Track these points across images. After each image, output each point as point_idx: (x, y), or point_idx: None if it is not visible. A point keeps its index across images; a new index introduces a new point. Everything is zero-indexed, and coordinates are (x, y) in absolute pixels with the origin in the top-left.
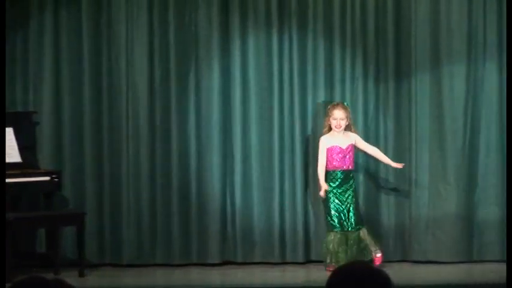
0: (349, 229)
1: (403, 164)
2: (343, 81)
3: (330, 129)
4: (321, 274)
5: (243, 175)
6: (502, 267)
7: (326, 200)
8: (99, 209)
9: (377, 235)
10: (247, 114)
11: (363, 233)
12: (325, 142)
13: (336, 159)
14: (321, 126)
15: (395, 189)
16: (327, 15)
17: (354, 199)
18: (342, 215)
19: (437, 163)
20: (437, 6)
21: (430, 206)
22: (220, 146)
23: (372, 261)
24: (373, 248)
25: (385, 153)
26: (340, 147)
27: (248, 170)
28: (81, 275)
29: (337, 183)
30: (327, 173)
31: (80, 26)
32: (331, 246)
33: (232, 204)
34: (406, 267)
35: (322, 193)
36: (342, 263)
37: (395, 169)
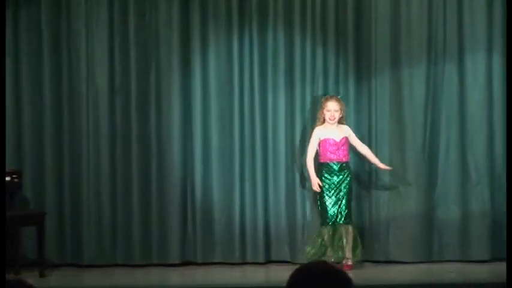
0: (340, 222)
1: (391, 168)
2: (303, 81)
3: (323, 121)
4: (282, 274)
5: (204, 175)
6: (462, 267)
7: (320, 194)
8: (60, 209)
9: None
10: (207, 114)
11: (349, 230)
12: (319, 134)
13: (330, 151)
14: (283, 125)
15: (355, 189)
16: (287, 16)
17: (349, 192)
18: (336, 206)
19: (398, 163)
20: (398, 7)
21: (390, 206)
22: (181, 145)
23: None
24: (349, 254)
25: None
26: (334, 140)
27: (208, 170)
28: (42, 275)
29: (332, 175)
30: (322, 165)
31: (40, 25)
32: (320, 241)
33: (193, 204)
34: (367, 267)
35: (315, 187)
36: (338, 257)
37: (356, 169)
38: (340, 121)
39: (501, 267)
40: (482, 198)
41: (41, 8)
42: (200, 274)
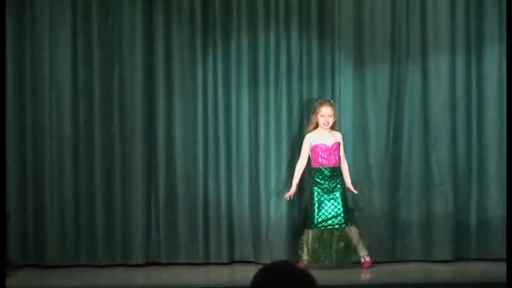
0: (338, 227)
1: (357, 192)
2: (267, 81)
3: (316, 126)
4: (245, 274)
5: (167, 175)
6: (425, 267)
7: (310, 197)
8: (22, 209)
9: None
10: (171, 115)
11: (353, 231)
12: (310, 140)
13: (322, 157)
14: (246, 125)
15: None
16: (250, 16)
17: (343, 196)
18: (329, 212)
19: (361, 163)
20: (361, 6)
21: (354, 206)
22: (144, 146)
23: (360, 262)
24: (362, 252)
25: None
26: (325, 145)
27: (172, 171)
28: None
29: (324, 180)
30: (314, 170)
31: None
32: (307, 243)
33: (156, 204)
34: (331, 268)
35: (287, 195)
36: (323, 261)
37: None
38: (334, 127)
39: (464, 267)
40: (445, 198)
41: (5, 8)
42: (164, 274)
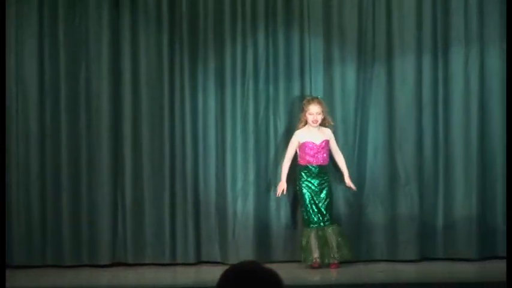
0: (325, 225)
1: (355, 188)
2: (233, 81)
3: (305, 123)
4: (212, 274)
5: (134, 175)
6: (390, 267)
7: (300, 196)
8: None
9: (266, 236)
10: (137, 114)
11: (339, 230)
12: (299, 137)
13: (310, 155)
14: (213, 125)
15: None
16: (217, 17)
17: (329, 194)
18: (318, 210)
19: (329, 163)
20: (330, 6)
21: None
22: (111, 145)
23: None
24: (333, 253)
25: (276, 153)
26: (313, 143)
27: (139, 170)
28: None
29: (311, 178)
30: (301, 167)
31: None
32: (304, 242)
33: (123, 204)
34: (295, 268)
35: (278, 191)
36: (321, 259)
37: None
38: (323, 123)
39: (429, 267)
40: (410, 198)
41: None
42: (130, 275)
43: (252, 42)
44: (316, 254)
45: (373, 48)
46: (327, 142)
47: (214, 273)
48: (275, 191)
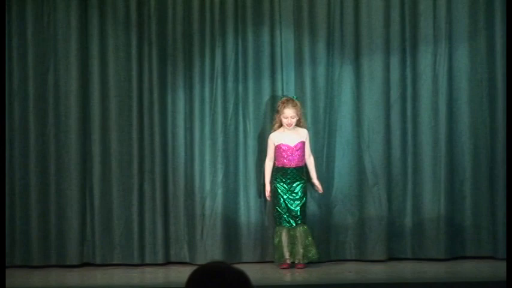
0: (297, 225)
1: (322, 191)
2: (202, 82)
3: (280, 125)
4: (180, 275)
5: (102, 176)
6: (359, 267)
7: (275, 196)
8: None
9: (235, 237)
10: (106, 114)
11: (308, 231)
12: (274, 139)
13: (284, 157)
14: (182, 125)
15: (255, 191)
16: (186, 15)
17: (305, 196)
18: (290, 210)
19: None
20: (300, 6)
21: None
22: (79, 147)
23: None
24: (299, 254)
25: (245, 154)
26: (288, 145)
27: (107, 171)
28: None
29: (286, 179)
30: (277, 169)
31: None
32: (276, 241)
33: (91, 205)
34: (265, 268)
35: (267, 195)
36: (291, 259)
37: (255, 171)
38: (299, 124)
39: (397, 267)
40: (379, 198)
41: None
42: (99, 276)
43: (221, 42)
44: (287, 254)
45: (342, 47)
46: (303, 143)
47: (183, 273)
48: (245, 191)
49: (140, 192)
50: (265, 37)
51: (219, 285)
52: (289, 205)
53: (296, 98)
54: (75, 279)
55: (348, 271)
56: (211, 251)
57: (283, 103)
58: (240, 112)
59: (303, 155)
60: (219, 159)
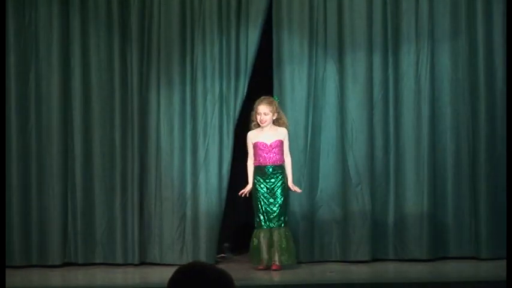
0: (276, 226)
1: (300, 190)
2: (183, 80)
3: (258, 124)
4: (162, 275)
5: (84, 176)
6: (342, 267)
7: (253, 196)
8: None
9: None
10: (88, 114)
11: (287, 233)
12: (251, 137)
13: (260, 155)
14: (163, 125)
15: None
16: (168, 15)
17: (284, 195)
18: (268, 210)
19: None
20: (280, 5)
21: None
22: (61, 147)
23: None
24: (277, 255)
25: (228, 154)
26: (264, 143)
27: (89, 171)
28: None
29: (264, 178)
30: (256, 168)
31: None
32: (255, 243)
33: (73, 205)
34: (245, 268)
35: (244, 190)
36: (268, 261)
37: (239, 171)
38: (279, 123)
39: (380, 268)
40: (362, 198)
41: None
42: (80, 275)
43: (203, 41)
44: (264, 256)
45: (325, 47)
46: (280, 142)
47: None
48: (228, 191)
49: (122, 191)
50: (248, 37)
51: (201, 285)
52: (267, 207)
53: (277, 98)
54: (57, 279)
55: (330, 271)
56: (194, 251)
57: (258, 100)
58: (224, 112)
59: (281, 154)
60: (200, 159)
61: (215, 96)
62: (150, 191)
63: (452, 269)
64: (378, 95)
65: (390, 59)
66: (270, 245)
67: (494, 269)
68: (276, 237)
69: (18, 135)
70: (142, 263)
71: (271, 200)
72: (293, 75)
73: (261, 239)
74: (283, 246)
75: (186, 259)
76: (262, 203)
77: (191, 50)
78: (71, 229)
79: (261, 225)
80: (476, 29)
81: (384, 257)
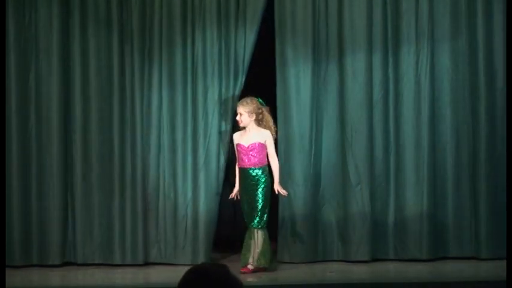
0: (254, 227)
1: (285, 193)
2: (184, 81)
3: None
4: (161, 275)
5: (83, 176)
6: (343, 267)
7: (240, 197)
8: None
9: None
10: (87, 115)
11: (260, 234)
12: (235, 139)
13: (241, 157)
14: (163, 126)
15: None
16: (167, 15)
17: (263, 197)
18: (249, 212)
19: (285, 164)
20: (283, 7)
21: (279, 207)
22: (61, 147)
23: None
24: (253, 259)
25: (228, 154)
26: (243, 145)
27: (88, 171)
28: None
29: (245, 179)
30: (239, 171)
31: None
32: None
33: (73, 205)
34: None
35: (232, 194)
36: (245, 262)
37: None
38: (264, 125)
39: (380, 268)
40: (362, 198)
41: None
42: (80, 275)
43: (202, 39)
44: (249, 258)
45: (326, 48)
46: (260, 145)
47: (164, 274)
48: (227, 192)
49: (121, 192)
50: (250, 37)
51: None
52: (248, 207)
53: (259, 99)
54: (56, 278)
55: (330, 271)
56: (194, 251)
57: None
58: (223, 113)
59: (261, 157)
60: (201, 160)
61: (217, 97)
62: (150, 191)
63: (452, 269)
64: (378, 95)
65: (390, 59)
66: (253, 247)
67: (494, 269)
68: (255, 239)
69: (18, 135)
70: (142, 263)
71: (253, 201)
72: (298, 76)
73: (246, 239)
74: (258, 250)
75: (185, 260)
76: (244, 204)
77: (192, 49)
78: (71, 229)
79: (248, 225)
80: (476, 29)
81: (384, 257)
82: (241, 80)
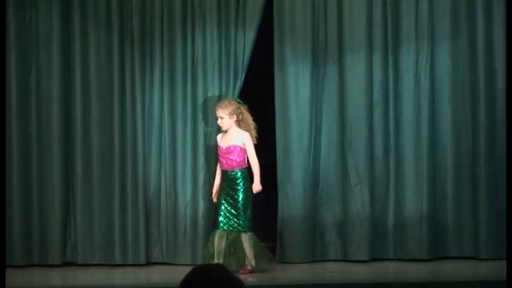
0: (229, 229)
1: (256, 191)
2: (184, 81)
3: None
4: (161, 275)
5: (84, 176)
6: (342, 267)
7: (218, 198)
8: None
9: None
10: (88, 114)
11: (246, 238)
12: (217, 140)
13: (220, 159)
14: (164, 125)
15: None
16: (167, 14)
17: (244, 200)
18: (226, 214)
19: (285, 165)
20: (282, 7)
21: (278, 207)
22: (62, 147)
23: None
24: (248, 261)
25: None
26: (221, 147)
27: (89, 171)
28: None
29: (224, 181)
30: (221, 173)
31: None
32: (209, 245)
33: (74, 205)
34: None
35: (213, 195)
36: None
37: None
38: (243, 126)
39: (380, 267)
40: (361, 198)
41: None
42: (80, 275)
43: (202, 39)
44: (218, 259)
45: (326, 47)
46: (237, 147)
47: (164, 274)
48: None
49: (122, 192)
50: (249, 36)
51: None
52: (226, 209)
53: (237, 99)
54: (56, 278)
55: (330, 271)
56: (193, 251)
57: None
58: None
59: (238, 160)
60: (200, 160)
61: (216, 97)
62: (150, 191)
63: (451, 269)
64: (378, 95)
65: (390, 59)
66: (229, 250)
67: (494, 269)
68: (243, 243)
69: (19, 135)
70: (143, 263)
71: (233, 204)
72: (297, 76)
73: (213, 241)
74: (255, 251)
75: (186, 260)
76: (222, 205)
77: (192, 49)
78: (71, 229)
79: (218, 227)
80: (476, 29)
81: (384, 256)
82: (241, 79)
